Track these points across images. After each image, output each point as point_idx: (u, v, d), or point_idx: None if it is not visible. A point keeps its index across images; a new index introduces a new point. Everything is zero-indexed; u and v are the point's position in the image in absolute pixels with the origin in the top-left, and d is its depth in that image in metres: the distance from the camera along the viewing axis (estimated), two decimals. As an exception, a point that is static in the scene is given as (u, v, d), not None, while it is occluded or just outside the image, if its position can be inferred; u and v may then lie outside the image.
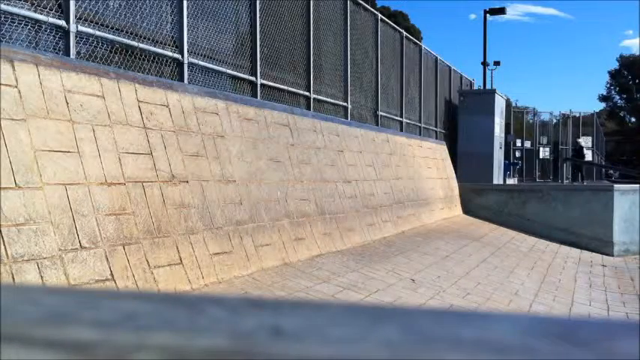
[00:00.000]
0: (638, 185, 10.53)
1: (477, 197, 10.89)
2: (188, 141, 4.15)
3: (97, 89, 3.54)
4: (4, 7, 3.66)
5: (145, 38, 4.91)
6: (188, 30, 5.34)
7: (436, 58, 14.52)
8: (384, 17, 10.83)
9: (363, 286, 4.49)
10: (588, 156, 29.13)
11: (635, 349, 0.35)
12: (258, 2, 6.44)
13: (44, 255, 2.86)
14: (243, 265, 4.22)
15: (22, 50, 3.31)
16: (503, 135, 16.84)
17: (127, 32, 4.72)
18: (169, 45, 5.23)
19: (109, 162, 3.42)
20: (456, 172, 12.12)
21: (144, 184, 3.63)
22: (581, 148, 23.14)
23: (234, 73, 6.19)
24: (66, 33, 4.15)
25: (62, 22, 4.11)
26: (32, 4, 3.93)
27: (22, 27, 3.84)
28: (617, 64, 62.41)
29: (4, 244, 2.67)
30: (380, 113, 10.43)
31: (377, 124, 10.01)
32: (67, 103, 3.28)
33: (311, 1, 7.66)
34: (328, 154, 6.35)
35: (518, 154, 24.86)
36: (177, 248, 3.70)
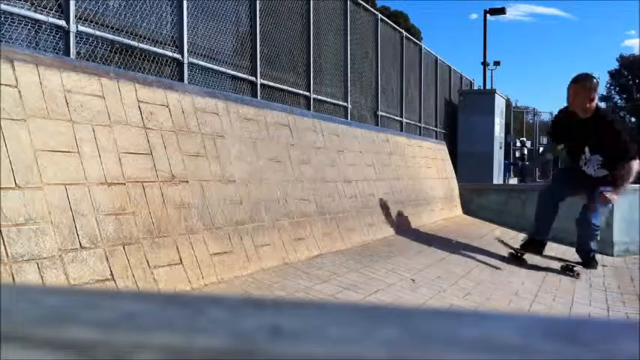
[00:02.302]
0: (638, 185, 10.52)
1: (477, 197, 10.89)
2: (188, 141, 4.15)
3: (97, 89, 3.54)
4: (4, 7, 3.66)
5: (145, 38, 4.92)
6: (188, 30, 5.34)
7: (436, 58, 14.52)
8: (384, 17, 10.83)
9: (363, 286, 4.49)
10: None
11: (635, 349, 0.35)
12: (258, 2, 6.44)
13: (44, 255, 2.86)
14: (243, 265, 4.22)
15: (22, 50, 3.31)
16: (503, 135, 16.84)
17: (127, 32, 4.72)
18: (169, 45, 5.23)
19: (109, 162, 3.42)
20: (456, 172, 12.12)
21: (144, 184, 3.63)
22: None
23: (234, 73, 6.19)
24: (66, 33, 4.15)
25: (62, 22, 4.11)
26: (32, 4, 3.93)
27: (22, 27, 3.85)
28: (617, 64, 62.42)
29: (4, 244, 2.67)
30: (380, 113, 10.43)
31: (377, 124, 10.01)
32: (67, 103, 3.29)
33: (311, 1, 7.66)
34: (328, 154, 6.35)
35: (518, 153, 24.87)
36: (177, 248, 3.70)
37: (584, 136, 6.04)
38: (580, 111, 5.93)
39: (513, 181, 20.34)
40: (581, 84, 5.94)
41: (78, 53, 4.22)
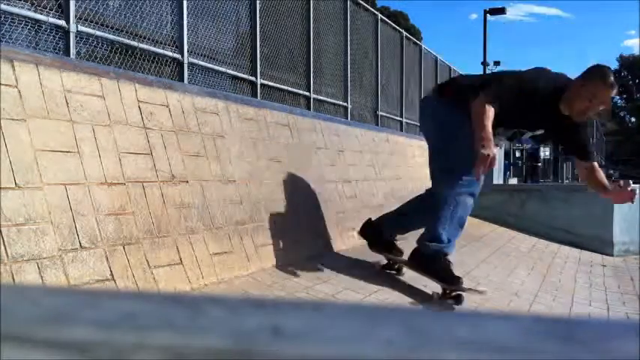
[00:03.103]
0: (638, 185, 10.51)
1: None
2: (188, 141, 4.15)
3: (97, 89, 3.54)
4: (4, 7, 3.66)
5: (145, 38, 4.91)
6: (188, 30, 5.33)
7: (436, 58, 14.51)
8: (384, 17, 10.82)
9: (364, 285, 4.49)
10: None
11: (635, 349, 0.35)
12: (258, 2, 6.43)
13: (44, 255, 2.86)
14: (243, 265, 4.22)
15: (22, 50, 3.32)
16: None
17: (127, 32, 4.72)
18: (169, 45, 5.22)
19: (109, 162, 3.42)
20: (456, 172, 12.11)
21: (144, 184, 3.63)
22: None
23: (234, 73, 6.18)
24: (66, 33, 4.15)
25: (62, 22, 4.10)
26: (32, 4, 3.93)
27: (22, 27, 3.84)
28: (617, 64, 62.46)
29: (4, 244, 2.67)
30: (380, 113, 10.42)
31: (377, 124, 10.01)
32: (67, 103, 3.29)
33: (311, 1, 7.66)
34: (328, 154, 6.35)
35: (518, 154, 24.85)
36: (177, 248, 3.70)
37: (543, 120, 4.39)
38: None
39: (513, 181, 20.33)
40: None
41: (78, 53, 4.22)
